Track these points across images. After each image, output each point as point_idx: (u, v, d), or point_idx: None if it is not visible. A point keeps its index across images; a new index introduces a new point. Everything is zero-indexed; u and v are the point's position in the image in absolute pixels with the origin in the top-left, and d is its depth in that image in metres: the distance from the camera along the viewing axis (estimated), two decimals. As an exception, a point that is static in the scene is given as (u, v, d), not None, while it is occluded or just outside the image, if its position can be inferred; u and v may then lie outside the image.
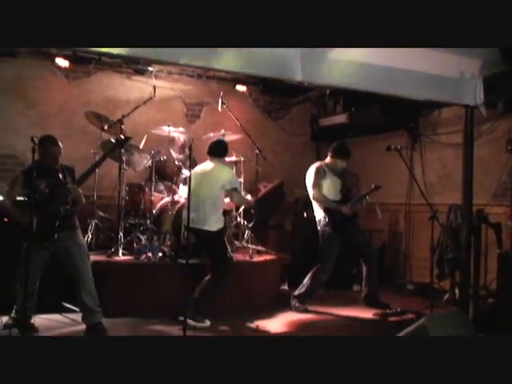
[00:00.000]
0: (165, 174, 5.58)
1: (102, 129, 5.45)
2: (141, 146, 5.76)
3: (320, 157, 7.06)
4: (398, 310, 5.13)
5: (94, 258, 4.69)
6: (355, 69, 3.84)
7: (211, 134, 5.85)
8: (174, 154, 5.67)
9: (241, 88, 7.34)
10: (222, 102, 5.91)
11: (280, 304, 5.32)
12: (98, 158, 4.58)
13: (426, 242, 4.96)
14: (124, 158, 5.32)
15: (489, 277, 4.99)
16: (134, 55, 3.62)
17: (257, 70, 3.68)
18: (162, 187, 5.57)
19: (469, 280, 4.60)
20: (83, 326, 4.15)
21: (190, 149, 4.01)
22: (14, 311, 4.02)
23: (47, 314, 4.41)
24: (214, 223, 4.65)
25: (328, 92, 6.86)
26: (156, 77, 6.94)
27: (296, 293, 5.24)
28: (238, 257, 5.36)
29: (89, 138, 6.03)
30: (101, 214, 5.71)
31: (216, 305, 4.61)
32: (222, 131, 5.80)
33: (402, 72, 4.00)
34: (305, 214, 6.31)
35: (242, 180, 5.76)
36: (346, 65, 3.80)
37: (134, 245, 5.18)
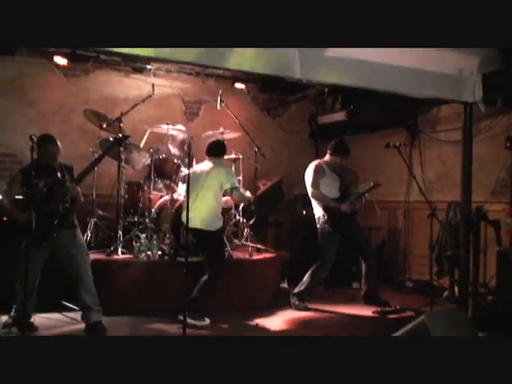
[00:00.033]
0: (164, 172, 5.56)
1: (101, 127, 5.43)
2: (142, 144, 5.76)
3: (319, 154, 7.06)
4: (398, 307, 5.13)
5: (93, 256, 4.68)
6: (354, 66, 3.83)
7: (210, 132, 5.85)
8: (173, 150, 5.66)
9: (239, 86, 7.32)
10: (220, 100, 5.90)
11: (280, 302, 5.33)
12: (96, 156, 4.56)
13: (425, 239, 4.97)
14: (123, 157, 5.31)
15: (488, 274, 4.99)
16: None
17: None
18: (160, 185, 5.55)
19: (468, 277, 4.60)
20: (83, 325, 4.16)
21: (189, 147, 4.01)
22: (13, 310, 4.02)
23: (47, 313, 4.40)
24: (213, 223, 4.64)
25: (327, 90, 6.85)
26: (154, 75, 6.92)
27: (295, 291, 5.24)
28: (237, 255, 5.36)
29: (87, 136, 6.03)
30: (100, 212, 5.71)
31: (216, 303, 4.60)
32: (221, 129, 5.79)
33: (400, 69, 4.00)
34: (304, 212, 6.31)
35: (240, 178, 5.76)
36: (344, 62, 3.79)
37: (134, 243, 5.17)
